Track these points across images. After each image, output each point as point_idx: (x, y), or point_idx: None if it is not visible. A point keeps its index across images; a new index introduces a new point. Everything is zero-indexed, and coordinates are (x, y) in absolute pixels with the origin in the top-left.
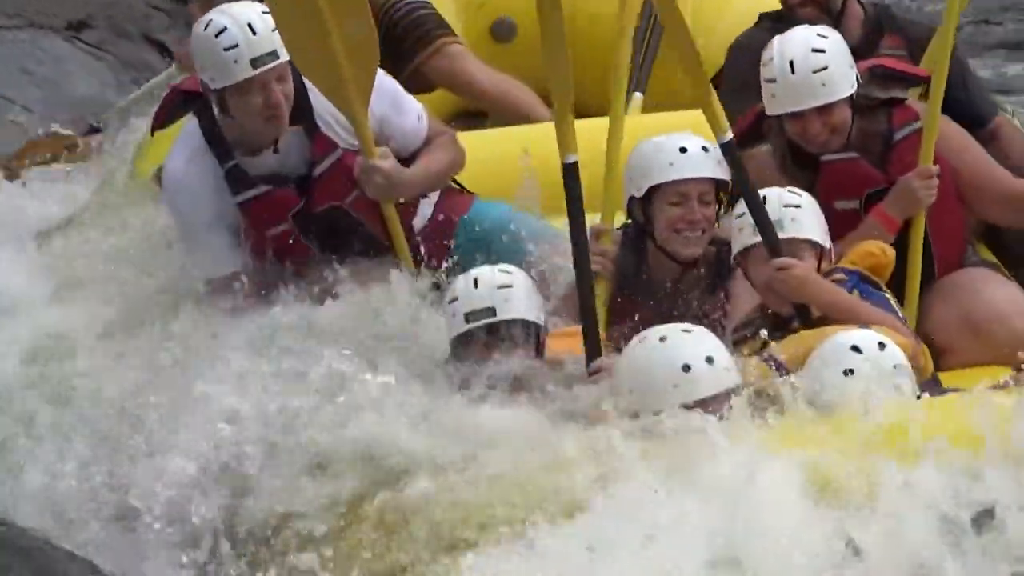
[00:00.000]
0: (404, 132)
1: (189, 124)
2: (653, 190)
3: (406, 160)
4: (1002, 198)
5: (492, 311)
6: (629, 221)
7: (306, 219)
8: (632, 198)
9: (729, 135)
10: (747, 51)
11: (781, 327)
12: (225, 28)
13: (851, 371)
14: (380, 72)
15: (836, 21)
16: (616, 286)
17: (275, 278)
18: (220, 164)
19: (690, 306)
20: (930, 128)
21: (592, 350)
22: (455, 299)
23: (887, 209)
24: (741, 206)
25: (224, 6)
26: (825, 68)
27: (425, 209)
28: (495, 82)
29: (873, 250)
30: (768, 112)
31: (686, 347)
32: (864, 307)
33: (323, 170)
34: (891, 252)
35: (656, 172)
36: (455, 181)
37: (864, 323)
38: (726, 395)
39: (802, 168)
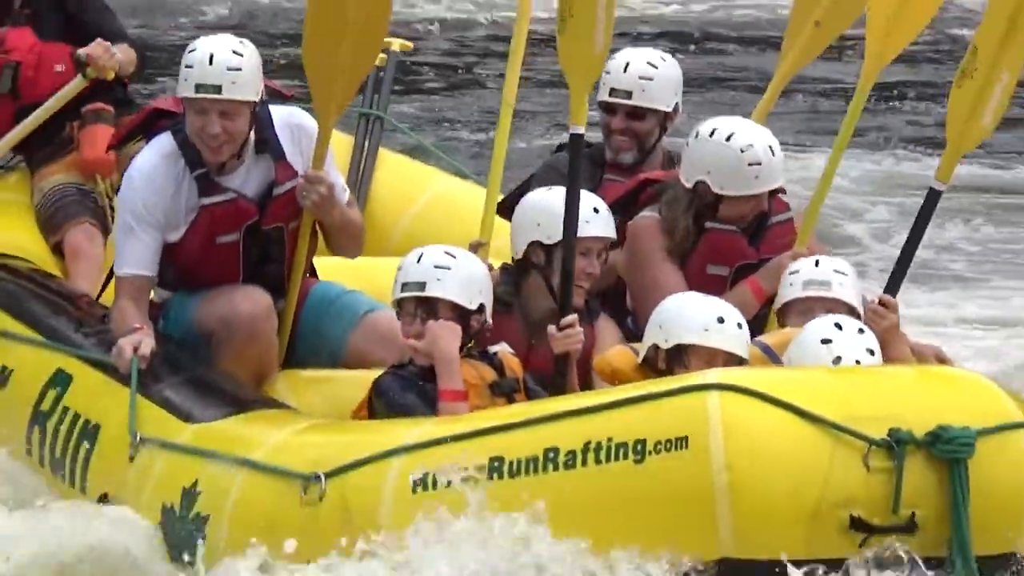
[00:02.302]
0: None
1: (162, 135)
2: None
3: None
4: None
5: (423, 286)
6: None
7: (254, 234)
8: (536, 242)
9: None
10: (557, 171)
11: None
12: (195, 49)
13: (829, 340)
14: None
15: (644, 155)
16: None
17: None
18: (191, 170)
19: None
20: (811, 215)
21: (565, 308)
22: (400, 268)
23: (761, 281)
24: (795, 264)
25: (213, 36)
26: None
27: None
28: None
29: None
30: (746, 192)
31: (724, 306)
32: None
33: (280, 192)
34: None
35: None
36: (312, 270)
37: None
38: (733, 360)
39: (687, 234)
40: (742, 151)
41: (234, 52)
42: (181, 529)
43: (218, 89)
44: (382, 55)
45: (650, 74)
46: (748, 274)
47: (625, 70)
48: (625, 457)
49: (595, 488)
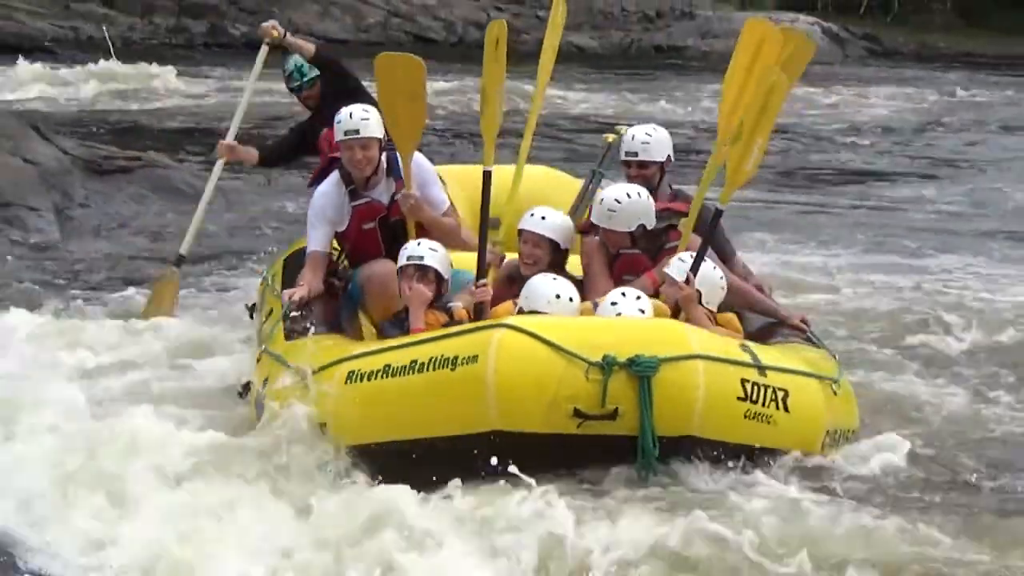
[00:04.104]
0: (427, 198)
1: (334, 172)
2: (520, 231)
3: None
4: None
5: (421, 258)
6: None
7: (385, 223)
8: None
9: None
10: None
11: None
12: (340, 113)
13: (616, 303)
14: (425, 160)
15: (652, 191)
16: (503, 275)
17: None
18: (346, 187)
19: None
20: (686, 234)
21: (480, 273)
22: (406, 249)
23: (655, 274)
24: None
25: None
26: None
27: None
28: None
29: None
30: (601, 224)
31: (563, 287)
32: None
33: (399, 198)
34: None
35: (523, 222)
36: None
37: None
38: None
39: (607, 256)
40: (601, 200)
41: (364, 111)
42: (258, 399)
43: (356, 131)
44: (611, 135)
45: (648, 140)
46: None
47: (633, 139)
48: (446, 366)
49: (432, 385)
